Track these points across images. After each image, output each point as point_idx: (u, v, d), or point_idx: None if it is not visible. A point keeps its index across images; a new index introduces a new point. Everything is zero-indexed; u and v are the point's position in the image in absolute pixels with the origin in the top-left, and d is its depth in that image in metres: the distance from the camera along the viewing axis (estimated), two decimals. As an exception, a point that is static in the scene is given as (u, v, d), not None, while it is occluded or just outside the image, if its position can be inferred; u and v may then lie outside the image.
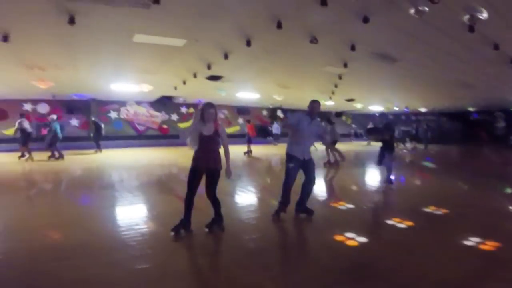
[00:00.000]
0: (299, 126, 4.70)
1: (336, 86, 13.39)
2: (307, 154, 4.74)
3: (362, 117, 28.67)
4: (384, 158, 7.57)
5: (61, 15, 5.22)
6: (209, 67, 9.31)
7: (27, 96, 16.71)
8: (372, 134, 9.82)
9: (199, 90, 14.74)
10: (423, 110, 23.94)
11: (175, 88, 13.64)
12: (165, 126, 21.57)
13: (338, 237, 3.96)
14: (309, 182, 4.78)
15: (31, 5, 4.93)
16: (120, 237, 3.98)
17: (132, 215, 4.98)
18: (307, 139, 4.77)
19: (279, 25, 5.75)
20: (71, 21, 5.30)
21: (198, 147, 3.91)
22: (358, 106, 20.24)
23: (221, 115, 22.63)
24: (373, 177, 9.22)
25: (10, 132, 17.59)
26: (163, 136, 21.07)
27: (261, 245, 3.82)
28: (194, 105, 21.73)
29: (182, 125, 21.94)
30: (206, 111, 3.88)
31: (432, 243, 3.86)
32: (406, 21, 5.66)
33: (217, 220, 4.10)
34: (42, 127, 18.02)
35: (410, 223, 4.55)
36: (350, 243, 3.81)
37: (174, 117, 21.76)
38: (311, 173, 4.78)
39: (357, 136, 27.72)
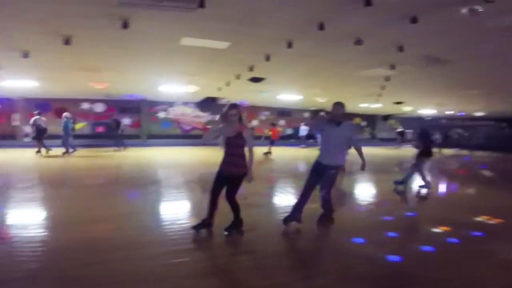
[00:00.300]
0: (324, 132, 4.49)
1: (383, 88, 12.92)
2: (327, 159, 4.36)
3: (411, 121, 27.31)
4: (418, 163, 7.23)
5: (116, 20, 5.62)
6: (251, 69, 9.47)
7: (85, 96, 18.14)
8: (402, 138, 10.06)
9: (242, 92, 15.01)
10: (479, 114, 22.21)
11: (219, 89, 14.03)
12: (209, 127, 22.23)
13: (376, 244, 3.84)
14: (320, 190, 4.44)
15: (90, 11, 5.37)
16: (163, 231, 4.21)
17: (175, 210, 5.23)
18: (332, 145, 4.37)
19: (321, 27, 5.71)
20: (125, 25, 5.69)
21: (224, 150, 3.91)
22: (407, 109, 19.27)
23: (262, 117, 22.83)
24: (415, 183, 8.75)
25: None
26: (207, 136, 21.70)
27: (293, 247, 3.88)
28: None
29: (225, 126, 22.51)
30: (227, 112, 3.84)
31: (481, 254, 3.61)
32: (458, 22, 5.34)
33: (237, 224, 4.03)
34: (97, 125, 19.52)
35: (457, 232, 4.27)
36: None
37: (218, 117, 22.34)
38: (323, 182, 4.38)
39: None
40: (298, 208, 4.45)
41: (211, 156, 13.45)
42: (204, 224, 3.99)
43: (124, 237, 3.88)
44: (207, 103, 19.91)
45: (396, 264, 3.35)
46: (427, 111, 21.71)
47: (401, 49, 6.96)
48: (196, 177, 8.78)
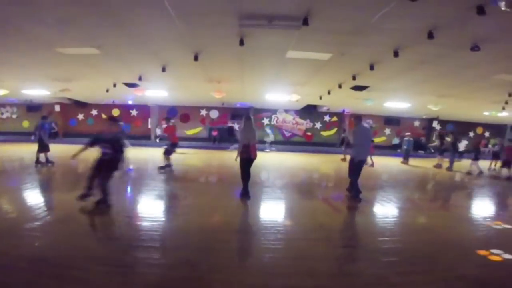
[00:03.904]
0: None
1: (510, 95, 11.41)
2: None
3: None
4: None
5: (234, 39, 6.65)
6: (354, 78, 9.62)
7: (204, 103, 20.77)
8: None
9: (343, 100, 15.08)
10: None
11: (320, 97, 14.40)
12: (309, 133, 22.74)
13: (481, 252, 3.72)
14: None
15: (216, 32, 6.50)
16: (258, 225, 4.86)
17: (274, 210, 5.83)
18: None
19: (430, 35, 5.65)
20: (241, 43, 6.66)
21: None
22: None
23: (365, 125, 22.14)
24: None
25: (191, 132, 22.31)
26: (307, 143, 22.23)
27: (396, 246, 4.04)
28: (338, 114, 22.06)
29: (325, 133, 22.58)
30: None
31: None
32: None
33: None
34: (212, 130, 22.03)
35: None
36: (493, 258, 3.56)
37: (318, 125, 22.66)
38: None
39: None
40: (353, 185, 6.48)
41: (309, 162, 13.89)
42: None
43: (244, 223, 4.78)
44: (308, 110, 20.46)
45: (498, 270, 3.23)
46: None
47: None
48: (296, 181, 9.30)
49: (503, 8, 4.09)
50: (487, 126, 23.33)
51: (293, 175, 10.24)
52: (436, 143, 15.04)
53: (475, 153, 12.38)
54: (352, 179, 6.58)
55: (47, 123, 10.10)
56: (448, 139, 13.74)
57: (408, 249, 3.87)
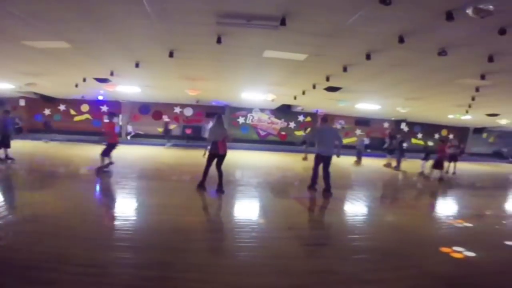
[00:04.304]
0: None
1: (473, 99, 12.03)
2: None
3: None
4: None
5: (212, 37, 6.58)
6: (327, 79, 9.83)
7: (178, 101, 20.42)
8: None
9: (317, 100, 15.36)
10: None
11: (295, 98, 14.59)
12: (283, 133, 22.99)
13: (444, 249, 3.92)
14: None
15: (193, 29, 6.40)
16: (232, 224, 4.90)
17: (248, 208, 5.87)
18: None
19: (400, 40, 5.85)
20: (219, 41, 6.61)
21: None
22: (502, 122, 17.29)
23: (337, 125, 22.66)
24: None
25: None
26: (282, 142, 22.46)
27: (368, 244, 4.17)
28: (311, 114, 22.45)
29: (299, 132, 22.91)
30: None
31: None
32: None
33: None
34: (186, 128, 21.70)
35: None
36: (455, 255, 3.76)
37: (292, 125, 22.94)
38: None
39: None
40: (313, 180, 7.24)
41: (283, 161, 14.02)
42: None
43: (218, 222, 4.83)
44: (282, 111, 20.66)
45: (459, 267, 3.41)
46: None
47: (491, 59, 6.67)
48: (270, 179, 9.38)
49: (470, 15, 4.32)
50: (451, 128, 24.55)
51: (267, 174, 10.32)
52: (386, 143, 15.61)
53: (425, 153, 12.76)
54: (314, 171, 7.27)
55: (9, 118, 9.59)
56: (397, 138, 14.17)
57: (379, 247, 4.01)
